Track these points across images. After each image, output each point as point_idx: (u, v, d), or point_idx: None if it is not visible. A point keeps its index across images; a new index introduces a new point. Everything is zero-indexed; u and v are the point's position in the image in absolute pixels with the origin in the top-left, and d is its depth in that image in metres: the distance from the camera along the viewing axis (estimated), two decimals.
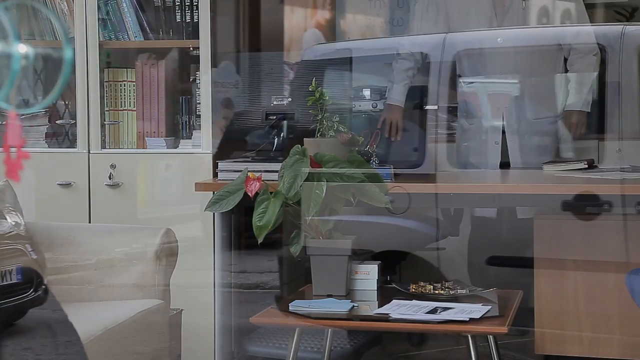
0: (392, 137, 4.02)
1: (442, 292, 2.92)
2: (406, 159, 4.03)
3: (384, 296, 2.93)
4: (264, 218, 2.94)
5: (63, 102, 4.15)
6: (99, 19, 3.97)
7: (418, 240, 4.01)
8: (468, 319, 2.65)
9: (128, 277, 3.35)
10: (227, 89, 4.06)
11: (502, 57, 4.05)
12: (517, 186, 3.43)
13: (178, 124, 4.05)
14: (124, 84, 4.04)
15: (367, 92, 4.26)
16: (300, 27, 3.94)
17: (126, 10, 4.02)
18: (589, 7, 5.14)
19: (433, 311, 2.73)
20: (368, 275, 3.03)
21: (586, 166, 3.47)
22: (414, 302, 2.83)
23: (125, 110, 4.04)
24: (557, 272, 3.26)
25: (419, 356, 4.10)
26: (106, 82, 4.02)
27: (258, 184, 2.99)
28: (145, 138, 4.00)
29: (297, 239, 3.00)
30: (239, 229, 3.45)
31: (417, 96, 4.23)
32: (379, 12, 5.23)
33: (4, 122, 1.61)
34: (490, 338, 2.88)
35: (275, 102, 3.63)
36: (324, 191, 2.92)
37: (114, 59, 4.12)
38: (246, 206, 3.07)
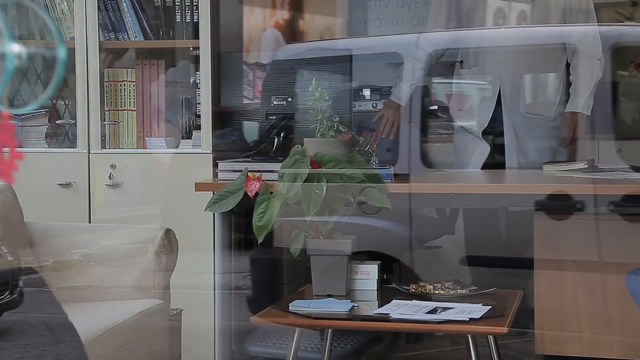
0: (386, 135, 4.01)
1: (442, 292, 2.92)
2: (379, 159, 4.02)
3: (384, 296, 2.93)
4: (264, 218, 2.94)
5: (63, 102, 4.15)
6: (99, 19, 3.97)
7: (391, 241, 3.98)
8: (468, 319, 2.65)
9: (128, 277, 3.35)
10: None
11: (502, 56, 4.05)
12: (518, 186, 3.42)
13: (178, 124, 4.06)
14: (124, 84, 4.04)
15: (367, 92, 4.25)
16: (259, 27, 3.92)
17: (126, 10, 4.02)
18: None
19: (433, 311, 2.73)
20: (368, 275, 3.03)
21: (586, 166, 3.47)
22: (414, 302, 2.83)
23: (125, 110, 4.04)
24: (557, 272, 3.26)
25: (419, 356, 4.10)
26: (106, 82, 4.02)
27: (258, 184, 2.99)
28: (145, 138, 4.00)
29: (297, 239, 3.00)
30: (239, 229, 3.45)
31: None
32: (337, 13, 5.24)
33: None
34: (490, 338, 2.88)
35: (275, 102, 3.63)
36: (324, 191, 2.92)
37: (114, 59, 4.12)
38: (246, 206, 3.07)
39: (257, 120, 3.72)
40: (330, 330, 3.13)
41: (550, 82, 4.08)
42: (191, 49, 4.01)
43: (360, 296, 2.96)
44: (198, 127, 3.96)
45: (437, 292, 2.92)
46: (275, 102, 3.57)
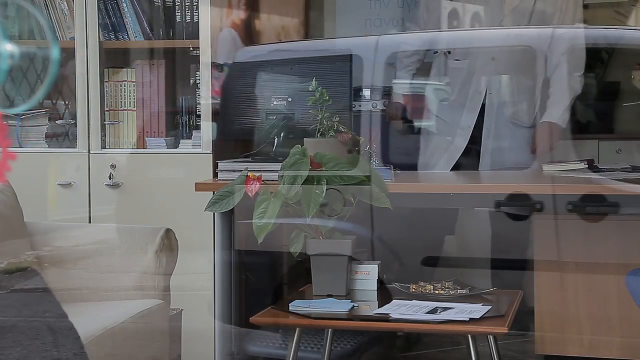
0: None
1: (442, 292, 2.92)
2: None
3: (384, 296, 2.93)
4: (264, 218, 2.94)
5: (63, 102, 4.15)
6: (99, 19, 3.97)
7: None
8: (468, 319, 2.65)
9: (128, 278, 3.35)
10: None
11: (483, 57, 4.04)
12: (517, 186, 3.42)
13: (178, 124, 4.06)
14: (124, 84, 4.04)
15: (367, 92, 4.25)
16: (215, 26, 3.91)
17: (126, 10, 4.02)
18: (589, 8, 5.15)
19: (433, 311, 2.73)
20: (368, 275, 3.03)
21: (586, 166, 3.47)
22: (414, 302, 2.83)
23: (125, 110, 4.04)
24: (557, 273, 3.26)
25: (419, 356, 4.10)
26: (106, 82, 4.02)
27: (258, 184, 2.99)
28: (145, 138, 4.00)
29: (297, 239, 3.00)
30: (239, 229, 3.45)
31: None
32: (293, 13, 5.25)
33: None
34: (490, 338, 2.87)
35: (275, 102, 3.62)
36: (324, 191, 2.92)
37: (114, 59, 4.12)
38: (246, 206, 3.06)
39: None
40: (330, 330, 3.13)
41: (531, 89, 4.06)
42: (191, 49, 4.01)
43: (360, 296, 2.96)
44: (198, 127, 3.96)
45: (437, 292, 2.92)
46: (275, 102, 3.57)
